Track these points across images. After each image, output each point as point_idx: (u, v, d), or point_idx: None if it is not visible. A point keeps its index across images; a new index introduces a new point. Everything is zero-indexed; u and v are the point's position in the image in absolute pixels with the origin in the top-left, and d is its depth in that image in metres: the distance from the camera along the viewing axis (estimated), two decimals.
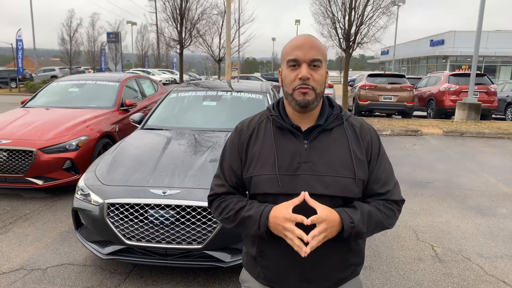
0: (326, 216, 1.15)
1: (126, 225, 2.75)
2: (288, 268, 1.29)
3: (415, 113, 13.61)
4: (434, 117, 12.93)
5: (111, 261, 3.18)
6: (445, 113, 12.78)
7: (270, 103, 4.47)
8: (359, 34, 11.97)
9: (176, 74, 39.71)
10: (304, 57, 1.22)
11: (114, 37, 39.13)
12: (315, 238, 1.14)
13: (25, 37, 25.43)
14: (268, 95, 4.61)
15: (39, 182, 4.52)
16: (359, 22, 11.87)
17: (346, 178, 1.24)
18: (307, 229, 1.15)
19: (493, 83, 13.00)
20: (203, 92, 4.70)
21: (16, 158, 4.44)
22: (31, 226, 3.89)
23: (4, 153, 4.43)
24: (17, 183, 4.53)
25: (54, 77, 28.84)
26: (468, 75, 12.31)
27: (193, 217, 2.70)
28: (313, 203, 1.17)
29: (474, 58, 11.48)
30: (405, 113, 12.61)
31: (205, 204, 2.72)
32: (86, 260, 3.23)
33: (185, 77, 34.44)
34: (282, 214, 1.18)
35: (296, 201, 1.18)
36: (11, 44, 36.55)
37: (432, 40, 34.76)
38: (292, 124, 1.29)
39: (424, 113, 13.91)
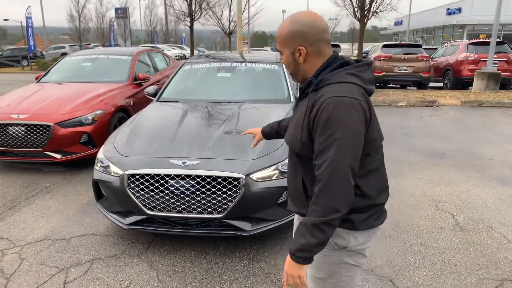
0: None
1: (146, 196, 2.76)
2: None
3: (430, 84, 13.27)
4: (450, 88, 12.59)
5: (132, 232, 3.23)
6: (463, 84, 12.42)
7: (285, 73, 4.38)
8: (375, 2, 11.54)
9: (186, 50, 39.30)
10: None
11: (122, 13, 38.70)
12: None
13: (34, 16, 25.25)
14: (283, 65, 4.51)
15: (58, 156, 4.57)
16: None
17: (293, 135, 1.43)
18: None
19: None
20: (217, 63, 4.62)
21: (34, 132, 4.48)
22: (53, 199, 3.96)
23: (22, 128, 4.47)
24: (37, 157, 4.59)
25: (64, 54, 28.85)
26: (487, 43, 11.87)
27: (213, 186, 2.70)
28: None
29: (495, 25, 11.03)
30: (421, 84, 12.31)
31: (225, 174, 2.72)
32: (108, 231, 3.29)
33: (195, 52, 34.06)
34: None
35: None
36: (20, 22, 36.48)
37: (448, 9, 33.50)
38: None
39: (440, 84, 13.55)
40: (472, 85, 11.62)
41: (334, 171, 1.24)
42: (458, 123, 7.42)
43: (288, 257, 1.34)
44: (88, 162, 4.94)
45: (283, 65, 4.49)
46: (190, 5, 19.12)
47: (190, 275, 2.69)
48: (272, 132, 1.96)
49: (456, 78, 12.41)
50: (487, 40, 12.74)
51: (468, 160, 5.11)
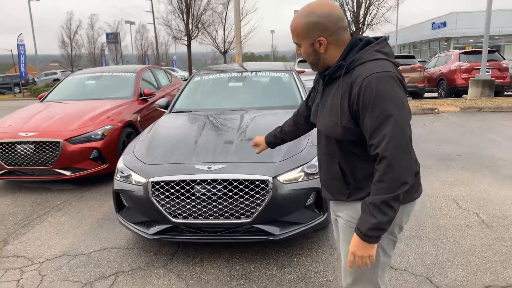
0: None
1: (172, 203, 2.69)
2: None
3: (425, 95, 13.45)
4: (445, 97, 12.79)
5: (154, 243, 3.14)
6: (457, 92, 12.63)
7: (297, 81, 4.39)
8: (369, 15, 11.82)
9: (177, 72, 39.57)
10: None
11: (114, 38, 39.01)
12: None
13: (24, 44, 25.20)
14: (293, 73, 4.53)
15: (68, 173, 4.47)
16: (368, 3, 11.72)
17: (331, 121, 1.41)
18: None
19: (504, 59, 12.81)
20: (228, 73, 4.62)
21: (43, 150, 4.39)
22: (66, 216, 3.85)
23: (31, 146, 4.39)
24: (46, 175, 4.49)
25: (57, 80, 28.83)
26: (478, 52, 12.15)
27: (241, 190, 2.64)
28: None
29: (485, 34, 11.32)
30: (417, 94, 12.48)
31: (252, 177, 2.66)
32: (128, 244, 3.19)
33: (186, 74, 34.29)
34: None
35: None
36: (11, 50, 36.55)
37: (433, 23, 34.43)
38: (321, 72, 1.51)
39: (435, 94, 13.76)
40: (466, 93, 11.81)
41: (396, 146, 1.26)
42: (461, 127, 7.49)
43: (357, 239, 1.34)
44: (97, 179, 4.84)
45: (293, 73, 4.52)
46: (187, 24, 19.43)
47: (220, 283, 2.59)
48: (277, 140, 2.00)
49: (451, 87, 12.62)
50: (478, 49, 13.03)
51: (479, 161, 5.12)
